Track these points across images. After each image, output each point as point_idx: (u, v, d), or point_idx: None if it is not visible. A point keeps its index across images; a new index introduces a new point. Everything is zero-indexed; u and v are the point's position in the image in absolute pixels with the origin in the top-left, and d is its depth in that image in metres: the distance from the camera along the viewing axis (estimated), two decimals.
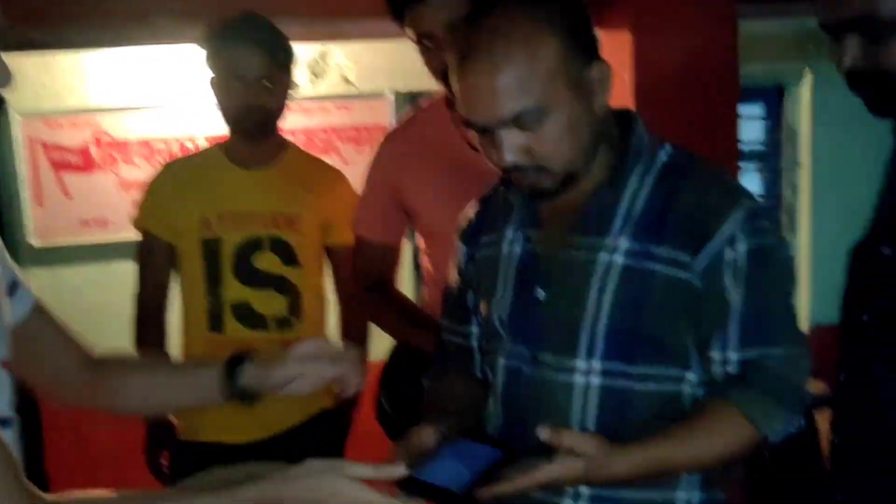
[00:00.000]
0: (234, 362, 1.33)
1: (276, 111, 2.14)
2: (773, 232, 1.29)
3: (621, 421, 1.28)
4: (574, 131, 1.25)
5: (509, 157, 1.24)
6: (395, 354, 2.13)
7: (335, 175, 2.28)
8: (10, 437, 1.04)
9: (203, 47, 2.13)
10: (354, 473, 1.03)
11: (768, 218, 1.29)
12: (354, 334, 2.30)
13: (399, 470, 1.08)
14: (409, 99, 4.01)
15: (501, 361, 1.38)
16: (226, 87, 2.08)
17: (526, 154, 1.24)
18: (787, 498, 2.36)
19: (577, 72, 1.24)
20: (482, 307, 1.44)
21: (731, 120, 2.52)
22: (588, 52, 1.26)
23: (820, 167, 4.47)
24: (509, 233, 1.40)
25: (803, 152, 4.50)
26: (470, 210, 1.53)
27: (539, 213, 1.37)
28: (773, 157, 4.60)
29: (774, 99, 4.52)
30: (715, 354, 1.27)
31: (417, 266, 3.95)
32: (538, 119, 1.21)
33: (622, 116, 1.36)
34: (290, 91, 2.16)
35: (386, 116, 4.05)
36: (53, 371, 1.30)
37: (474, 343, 1.50)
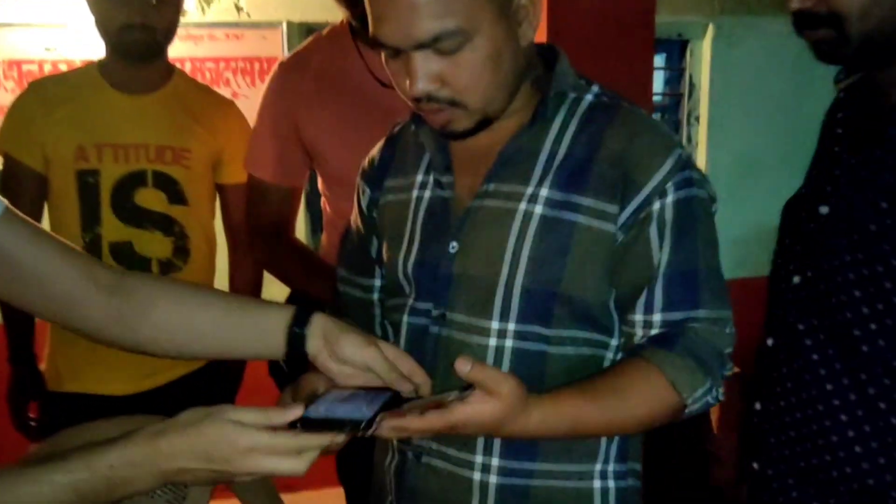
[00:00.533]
0: (298, 323, 1.11)
1: (163, 32, 1.93)
2: (702, 184, 1.18)
3: (537, 388, 1.15)
4: (496, 62, 1.12)
5: (421, 85, 1.11)
6: (291, 302, 1.98)
7: (227, 106, 2.10)
8: None
9: None
10: (241, 419, 0.90)
11: (697, 169, 1.19)
12: (245, 281, 2.14)
13: (292, 412, 0.94)
14: (304, 30, 3.83)
15: (405, 318, 1.26)
16: (105, 1, 1.86)
17: (441, 83, 1.11)
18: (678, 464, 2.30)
19: (509, 1, 1.12)
20: (386, 257, 1.32)
21: (647, 69, 2.46)
22: None
23: (717, 122, 4.50)
24: (419, 177, 1.28)
25: (702, 107, 4.52)
26: (375, 149, 1.39)
27: (452, 157, 1.25)
28: (672, 109, 4.60)
29: (677, 51, 4.51)
30: (637, 316, 1.17)
31: (311, 209, 3.80)
32: (459, 44, 1.09)
33: (546, 53, 1.25)
34: (179, 10, 1.95)
35: (279, 48, 3.85)
36: (51, 297, 1.09)
37: (375, 296, 1.38)
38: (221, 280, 2.18)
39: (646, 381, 1.13)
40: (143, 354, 1.15)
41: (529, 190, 1.17)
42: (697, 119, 4.56)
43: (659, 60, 4.53)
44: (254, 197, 1.96)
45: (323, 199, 1.99)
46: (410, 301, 1.25)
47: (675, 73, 4.55)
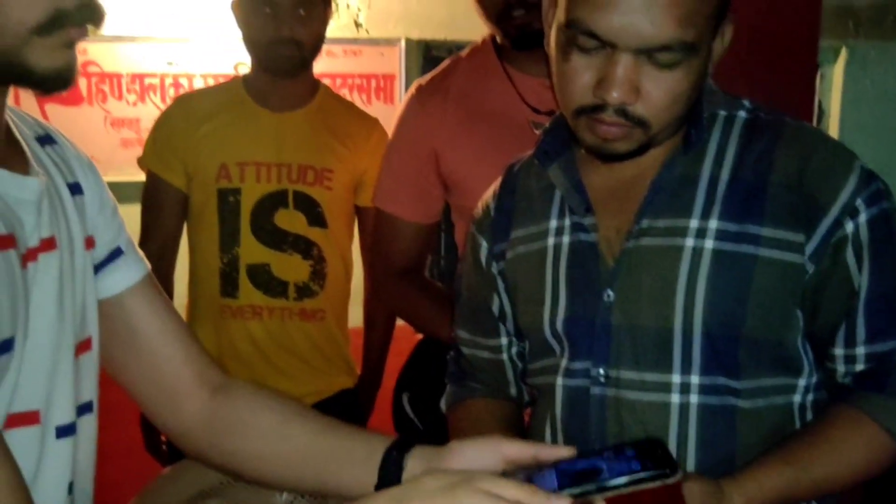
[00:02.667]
0: (399, 447, 0.98)
1: (311, 45, 1.86)
2: (890, 195, 1.04)
3: (728, 446, 1.04)
4: (693, 90, 1.01)
5: (620, 93, 0.97)
6: (422, 349, 1.87)
7: (371, 124, 2.01)
8: (90, 422, 0.92)
9: None
10: (501, 492, 0.75)
11: (881, 178, 1.05)
12: (378, 319, 2.06)
13: (566, 450, 0.85)
14: (423, 47, 3.79)
15: (559, 381, 1.11)
16: (254, 13, 1.81)
17: (636, 97, 0.98)
18: None
19: (721, 22, 1.01)
20: (524, 317, 1.18)
21: (809, 86, 2.30)
22: (729, 2, 1.02)
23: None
24: (553, 222, 1.14)
25: (831, 131, 4.35)
26: (489, 195, 1.25)
27: (590, 195, 1.11)
28: None
29: None
30: (838, 350, 1.04)
31: (441, 240, 3.69)
32: (679, 60, 0.96)
33: None
34: (325, 25, 1.89)
35: (396, 65, 3.82)
36: (155, 379, 1.03)
37: (505, 356, 1.25)
38: (355, 305, 2.10)
39: (859, 434, 1.02)
40: (215, 468, 1.07)
41: (695, 223, 1.04)
42: None
43: None
44: (385, 235, 1.80)
45: (457, 232, 1.81)
46: (564, 362, 1.12)
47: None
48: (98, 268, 0.97)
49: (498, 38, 1.65)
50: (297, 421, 1.03)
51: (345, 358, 2.05)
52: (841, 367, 1.05)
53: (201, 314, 1.95)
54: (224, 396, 1.04)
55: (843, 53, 4.25)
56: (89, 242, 0.94)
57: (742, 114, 1.09)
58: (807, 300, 1.03)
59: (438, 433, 1.09)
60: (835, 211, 1.00)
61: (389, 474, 0.94)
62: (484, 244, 1.23)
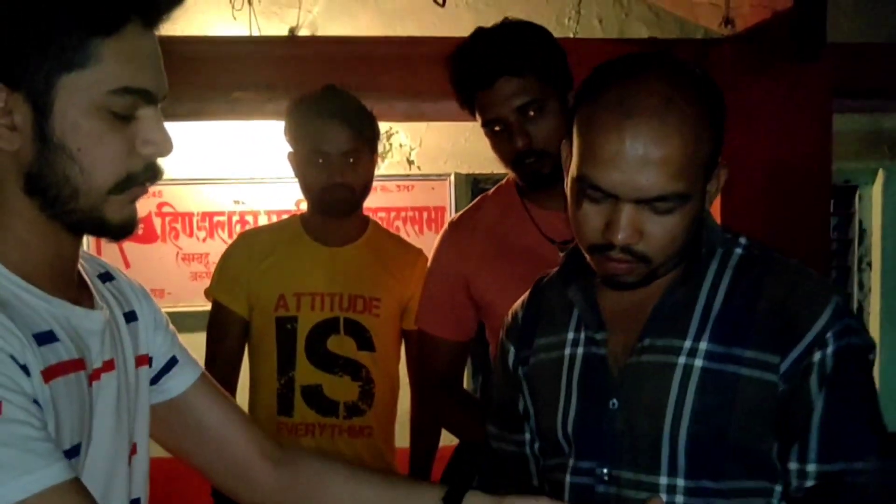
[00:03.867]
0: (456, 490, 1.13)
1: (360, 189, 2.07)
2: (860, 332, 1.15)
3: None
4: (690, 228, 1.15)
5: (624, 235, 1.12)
6: (460, 453, 2.01)
7: (416, 255, 2.20)
8: None
9: (285, 120, 2.09)
10: None
11: (854, 316, 1.17)
12: (424, 428, 2.19)
13: None
14: (471, 181, 4.00)
15: (568, 479, 1.23)
16: (308, 163, 2.03)
17: (639, 238, 1.13)
18: None
19: (713, 169, 1.15)
20: (540, 417, 1.31)
21: (824, 218, 2.43)
22: (720, 151, 1.16)
23: (890, 268, 4.35)
24: (570, 335, 1.28)
25: (874, 252, 4.38)
26: (518, 306, 1.40)
27: (602, 314, 1.25)
28: (841, 255, 4.48)
29: (844, 197, 4.43)
30: (792, 465, 1.13)
31: (474, 358, 3.83)
32: (673, 207, 1.11)
33: None
34: (373, 169, 2.10)
35: (446, 198, 4.02)
36: (224, 460, 1.19)
37: (528, 450, 1.37)
38: (403, 427, 2.23)
39: None
40: None
41: (688, 344, 1.17)
42: (869, 265, 4.42)
43: None
44: (426, 352, 1.99)
45: (491, 347, 1.98)
46: (572, 461, 1.23)
47: (843, 218, 4.45)
48: (158, 377, 1.13)
49: (517, 180, 1.85)
50: (364, 478, 1.17)
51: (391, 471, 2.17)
52: (794, 481, 1.13)
53: None
54: (291, 467, 1.18)
55: (881, 175, 4.34)
56: (141, 360, 1.09)
57: (738, 250, 1.22)
58: (776, 416, 1.13)
59: None
60: (807, 339, 1.11)
61: None
62: (511, 349, 1.37)
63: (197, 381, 1.18)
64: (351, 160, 2.01)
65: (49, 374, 0.88)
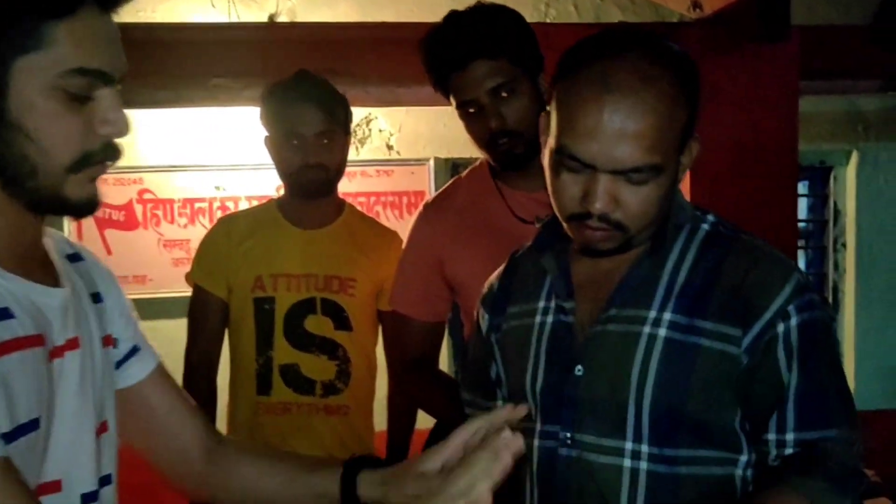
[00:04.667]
0: (353, 467, 1.17)
1: (334, 170, 2.12)
2: (823, 306, 1.22)
3: None
4: (665, 198, 1.21)
5: (601, 204, 1.17)
6: (436, 433, 2.05)
7: (391, 237, 2.24)
8: (110, 492, 1.09)
9: (260, 106, 2.13)
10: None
11: (816, 291, 1.23)
12: (400, 409, 2.25)
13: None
14: (450, 165, 4.04)
15: (536, 443, 1.29)
16: (283, 146, 2.07)
17: (615, 207, 1.18)
18: None
19: (687, 142, 1.21)
20: (510, 382, 1.37)
21: (791, 197, 2.48)
22: (694, 125, 1.22)
23: (865, 248, 4.42)
24: (541, 303, 1.33)
25: (848, 233, 4.45)
26: (494, 276, 1.46)
27: (573, 283, 1.31)
28: (817, 235, 4.54)
29: (819, 178, 4.49)
30: (770, 436, 1.19)
31: (454, 337, 3.89)
32: (648, 178, 1.16)
33: None
34: (347, 151, 2.14)
35: (426, 182, 4.06)
36: (165, 446, 1.25)
37: None
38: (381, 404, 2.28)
39: None
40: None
41: (653, 314, 1.22)
42: (844, 245, 4.48)
43: (802, 188, 4.51)
44: (400, 333, 2.03)
45: (466, 328, 2.02)
46: (538, 425, 1.29)
47: (819, 199, 4.51)
48: (120, 363, 1.17)
49: (490, 161, 1.89)
50: (275, 468, 1.24)
51: (369, 452, 2.22)
52: (773, 451, 1.19)
53: (239, 411, 2.15)
54: (220, 456, 1.25)
55: (855, 155, 4.39)
56: (107, 341, 1.12)
57: (705, 226, 1.28)
58: (740, 388, 1.19)
59: None
60: (768, 314, 1.17)
61: (349, 494, 1.14)
62: (486, 317, 1.43)
63: (154, 370, 1.22)
64: (325, 141, 2.06)
65: (6, 348, 0.90)
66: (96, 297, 1.12)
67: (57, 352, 1.00)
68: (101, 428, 1.08)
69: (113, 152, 0.98)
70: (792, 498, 1.15)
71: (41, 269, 1.02)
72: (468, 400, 1.48)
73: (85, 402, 1.04)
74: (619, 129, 1.13)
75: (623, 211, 1.18)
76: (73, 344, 1.03)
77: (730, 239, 1.26)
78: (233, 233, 2.19)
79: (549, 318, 1.31)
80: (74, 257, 1.12)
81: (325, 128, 2.05)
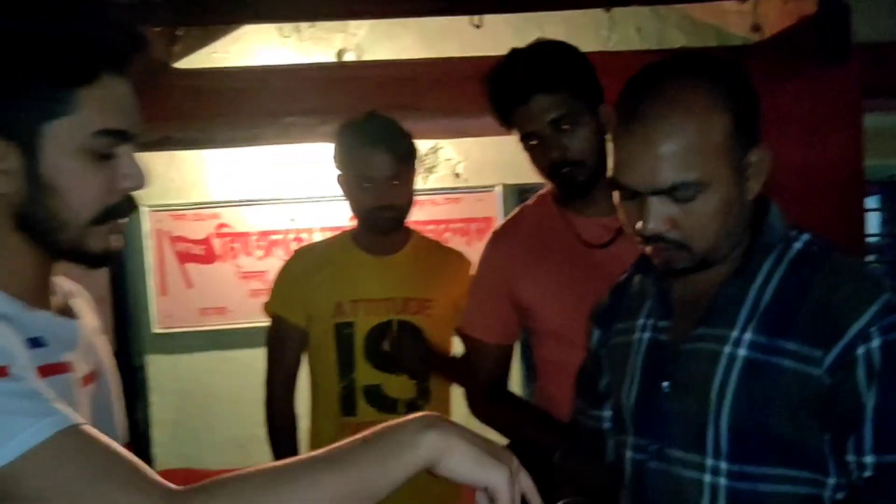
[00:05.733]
0: None
1: (406, 207, 2.22)
2: None
3: None
4: (724, 213, 1.22)
5: (653, 225, 1.21)
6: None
7: (459, 258, 2.34)
8: None
9: (334, 146, 2.23)
10: None
11: None
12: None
13: None
14: (517, 192, 4.09)
15: (629, 455, 1.35)
16: (358, 188, 2.17)
17: (671, 226, 1.22)
18: None
19: (740, 154, 1.22)
20: (613, 396, 1.43)
21: (858, 217, 2.47)
22: (752, 135, 1.24)
23: None
24: (641, 321, 1.38)
25: None
26: (606, 295, 1.52)
27: (671, 303, 1.35)
28: (890, 250, 4.48)
29: (891, 193, 4.43)
30: (850, 457, 1.18)
31: (526, 360, 3.92)
32: (694, 193, 1.19)
33: (758, 203, 1.31)
34: (413, 187, 2.23)
35: (494, 209, 4.12)
36: None
37: (605, 426, 1.48)
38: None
39: None
40: None
41: (734, 334, 1.23)
42: None
43: (873, 202, 4.46)
44: (472, 355, 2.11)
45: (535, 349, 2.09)
46: (631, 438, 1.34)
47: (891, 213, 4.45)
48: None
49: (557, 191, 1.96)
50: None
51: None
52: (854, 472, 1.18)
53: (324, 433, 2.23)
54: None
55: None
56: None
57: (797, 245, 1.27)
58: (823, 409, 1.19)
59: None
60: (849, 335, 1.15)
61: None
62: (596, 332, 1.49)
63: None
64: (395, 182, 2.16)
65: (43, 372, 0.96)
66: (96, 331, 1.18)
67: (84, 381, 1.06)
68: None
69: (131, 206, 1.06)
70: None
71: (57, 305, 1.09)
72: (578, 407, 1.54)
73: (109, 428, 1.08)
74: (651, 152, 1.19)
75: (679, 230, 1.22)
76: (89, 379, 1.09)
77: (820, 258, 1.25)
78: (309, 263, 2.29)
79: (647, 335, 1.36)
80: (70, 293, 1.17)
81: (395, 171, 2.14)
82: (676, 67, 1.25)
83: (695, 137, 1.18)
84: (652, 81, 1.23)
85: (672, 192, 1.20)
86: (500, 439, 2.07)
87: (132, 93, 1.04)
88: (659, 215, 1.21)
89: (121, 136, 1.02)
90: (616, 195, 1.28)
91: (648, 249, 1.28)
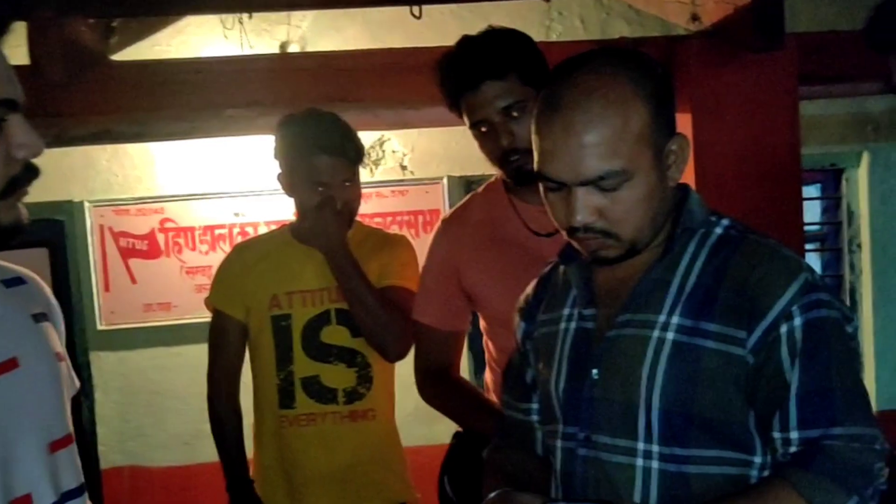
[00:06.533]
0: None
1: (357, 205, 2.21)
2: (831, 305, 1.22)
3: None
4: (649, 200, 1.24)
5: (580, 216, 1.23)
6: (458, 439, 2.10)
7: (397, 239, 2.33)
8: None
9: (276, 145, 2.20)
10: None
11: (827, 290, 1.24)
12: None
13: None
14: (463, 183, 4.10)
15: (558, 444, 1.35)
16: (309, 191, 2.14)
17: (598, 216, 1.23)
18: None
19: (661, 142, 1.25)
20: (539, 385, 1.43)
21: (796, 202, 2.52)
22: (671, 124, 1.27)
23: (879, 248, 4.43)
24: (566, 310, 1.39)
25: (863, 233, 4.46)
26: (529, 288, 1.52)
27: (595, 291, 1.36)
28: (831, 238, 4.56)
29: (832, 180, 4.51)
30: (775, 433, 1.21)
31: (474, 349, 3.94)
32: (619, 183, 1.21)
33: (678, 189, 1.34)
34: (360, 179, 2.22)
35: (440, 200, 4.12)
36: None
37: (534, 418, 1.48)
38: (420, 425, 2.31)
39: (780, 498, 1.17)
40: None
41: (662, 318, 1.26)
42: (859, 246, 4.49)
43: (814, 191, 4.54)
44: (421, 341, 2.10)
45: (484, 338, 2.11)
46: (560, 427, 1.34)
47: (832, 201, 4.53)
48: None
49: (504, 177, 1.96)
50: None
51: (398, 460, 2.28)
52: (779, 448, 1.21)
53: (264, 427, 2.23)
54: None
55: (866, 156, 4.41)
56: (59, 356, 1.16)
57: (718, 230, 1.30)
58: (749, 388, 1.22)
59: None
60: (771, 316, 1.19)
61: None
62: (522, 325, 1.49)
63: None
64: (347, 184, 2.15)
65: None
66: (40, 317, 1.17)
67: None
68: (58, 444, 1.11)
69: (33, 173, 1.04)
70: (782, 490, 1.17)
71: None
72: (506, 401, 1.54)
73: (31, 419, 1.08)
74: (573, 143, 1.20)
75: (606, 219, 1.24)
76: (10, 365, 1.07)
77: (738, 241, 1.28)
78: (247, 257, 2.28)
79: (572, 325, 1.37)
80: (14, 281, 1.17)
81: (348, 175, 2.14)
82: (595, 59, 1.26)
83: (617, 127, 1.20)
84: (571, 73, 1.25)
85: (598, 183, 1.21)
86: (450, 425, 2.09)
87: (8, 61, 1.02)
88: (586, 206, 1.23)
89: (9, 104, 1.00)
90: (542, 187, 1.29)
91: (576, 240, 1.29)
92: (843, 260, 4.53)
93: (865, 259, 4.48)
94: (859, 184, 4.47)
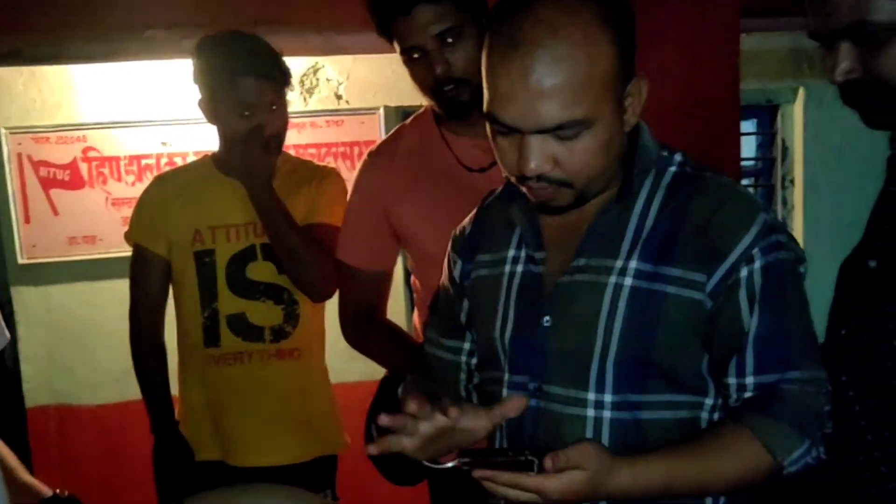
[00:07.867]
0: None
1: (284, 131, 2.11)
2: (788, 246, 1.20)
3: (638, 451, 1.18)
4: (607, 148, 1.17)
5: (535, 165, 1.15)
6: (385, 384, 2.07)
7: (326, 172, 2.24)
8: None
9: (197, 69, 2.09)
10: None
11: (784, 231, 1.21)
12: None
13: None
14: (400, 114, 4.00)
15: (504, 392, 1.28)
16: (234, 116, 2.04)
17: (553, 165, 1.16)
18: None
19: (622, 86, 1.16)
20: (480, 330, 1.36)
21: (734, 137, 2.49)
22: (632, 65, 1.18)
23: (813, 185, 4.47)
24: (511, 252, 1.32)
25: (796, 169, 4.50)
26: (466, 221, 1.45)
27: (543, 233, 1.30)
28: (765, 173, 4.59)
29: (767, 116, 4.52)
30: (731, 379, 1.19)
31: (410, 287, 3.90)
32: (578, 132, 1.13)
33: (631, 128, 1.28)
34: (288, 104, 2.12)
35: (377, 131, 4.02)
36: None
37: (463, 359, 1.42)
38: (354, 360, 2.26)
39: (738, 443, 1.16)
40: None
41: (619, 263, 1.21)
42: (792, 182, 4.53)
43: (750, 126, 4.54)
44: (345, 282, 2.02)
45: (413, 277, 2.04)
46: (506, 375, 1.28)
47: (767, 137, 4.55)
48: None
49: (435, 108, 1.87)
50: None
51: (327, 402, 2.22)
52: (734, 394, 1.19)
53: (189, 366, 2.16)
54: None
55: (801, 93, 4.42)
56: None
57: (672, 168, 1.25)
58: (705, 332, 1.19)
59: (402, 459, 1.26)
60: (732, 257, 1.16)
61: None
62: (458, 261, 1.41)
63: None
64: (274, 108, 2.06)
65: None
66: None
67: None
68: None
69: None
70: (739, 433, 1.16)
71: None
72: (431, 338, 1.47)
73: None
74: (533, 87, 1.10)
75: (562, 168, 1.16)
76: None
77: (696, 179, 1.23)
78: (168, 189, 2.18)
79: (519, 268, 1.30)
80: None
81: (273, 97, 2.04)
82: None
83: (582, 72, 1.10)
84: (531, 3, 1.12)
85: (556, 131, 1.13)
86: (376, 367, 2.04)
87: None
88: (541, 154, 1.15)
89: None
90: (489, 128, 1.20)
91: (526, 188, 1.21)
92: (776, 196, 4.57)
93: (798, 195, 4.52)
94: (794, 120, 4.48)
